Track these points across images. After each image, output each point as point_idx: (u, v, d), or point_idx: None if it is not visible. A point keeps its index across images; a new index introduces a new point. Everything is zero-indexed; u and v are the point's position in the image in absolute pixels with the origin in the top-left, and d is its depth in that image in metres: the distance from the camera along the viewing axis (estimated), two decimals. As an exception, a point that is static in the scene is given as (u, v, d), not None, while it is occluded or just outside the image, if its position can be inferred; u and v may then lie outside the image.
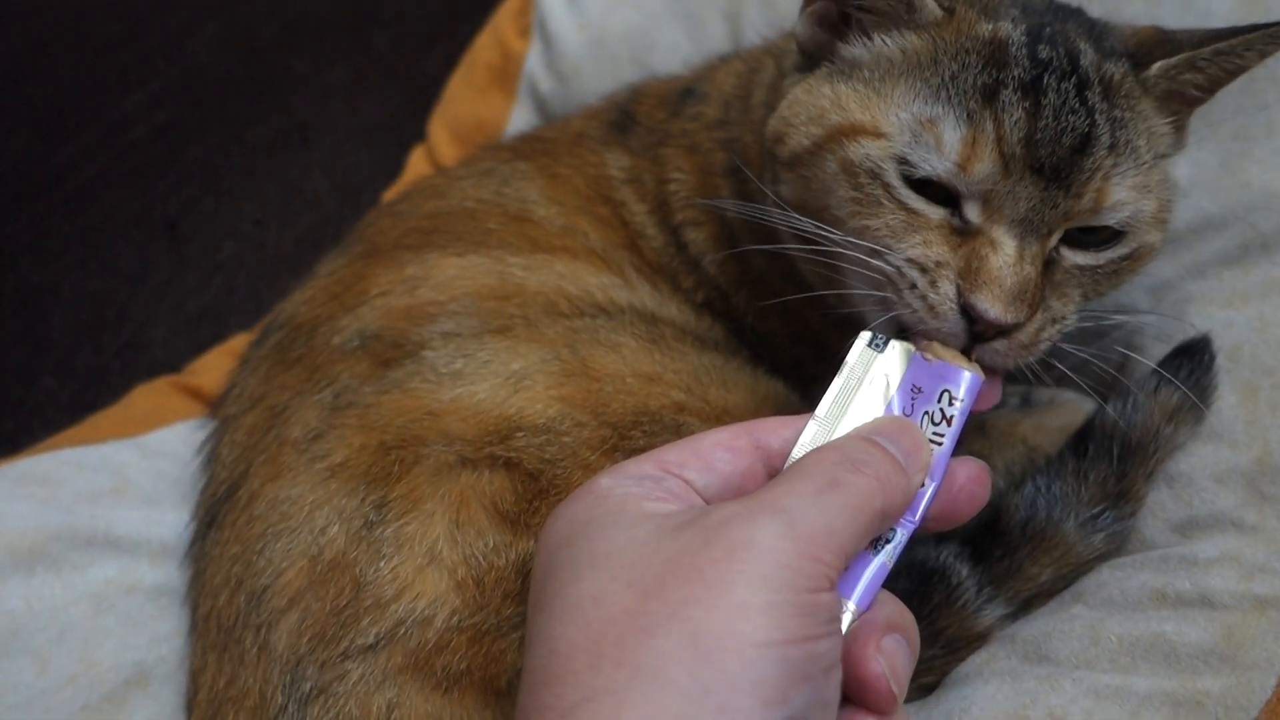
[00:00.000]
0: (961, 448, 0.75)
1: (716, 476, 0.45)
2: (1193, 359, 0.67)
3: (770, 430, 0.47)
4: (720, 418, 0.67)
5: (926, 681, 0.62)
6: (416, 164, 1.15)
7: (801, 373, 0.77)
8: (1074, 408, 0.72)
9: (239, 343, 0.95)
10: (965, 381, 0.50)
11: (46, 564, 0.71)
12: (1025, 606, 0.64)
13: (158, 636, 0.71)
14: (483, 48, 1.13)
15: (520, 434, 0.63)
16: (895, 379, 0.50)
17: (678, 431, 0.64)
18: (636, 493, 0.44)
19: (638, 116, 0.84)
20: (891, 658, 0.43)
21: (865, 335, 0.52)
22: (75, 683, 0.68)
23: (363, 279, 0.75)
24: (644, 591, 0.39)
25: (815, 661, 0.39)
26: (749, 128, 0.76)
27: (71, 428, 0.85)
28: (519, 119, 1.10)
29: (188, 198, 1.09)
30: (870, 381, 0.50)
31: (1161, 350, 0.70)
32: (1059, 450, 0.67)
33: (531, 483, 0.61)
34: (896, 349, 0.51)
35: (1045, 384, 0.69)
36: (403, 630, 0.58)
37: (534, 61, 1.08)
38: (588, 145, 0.85)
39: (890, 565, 0.45)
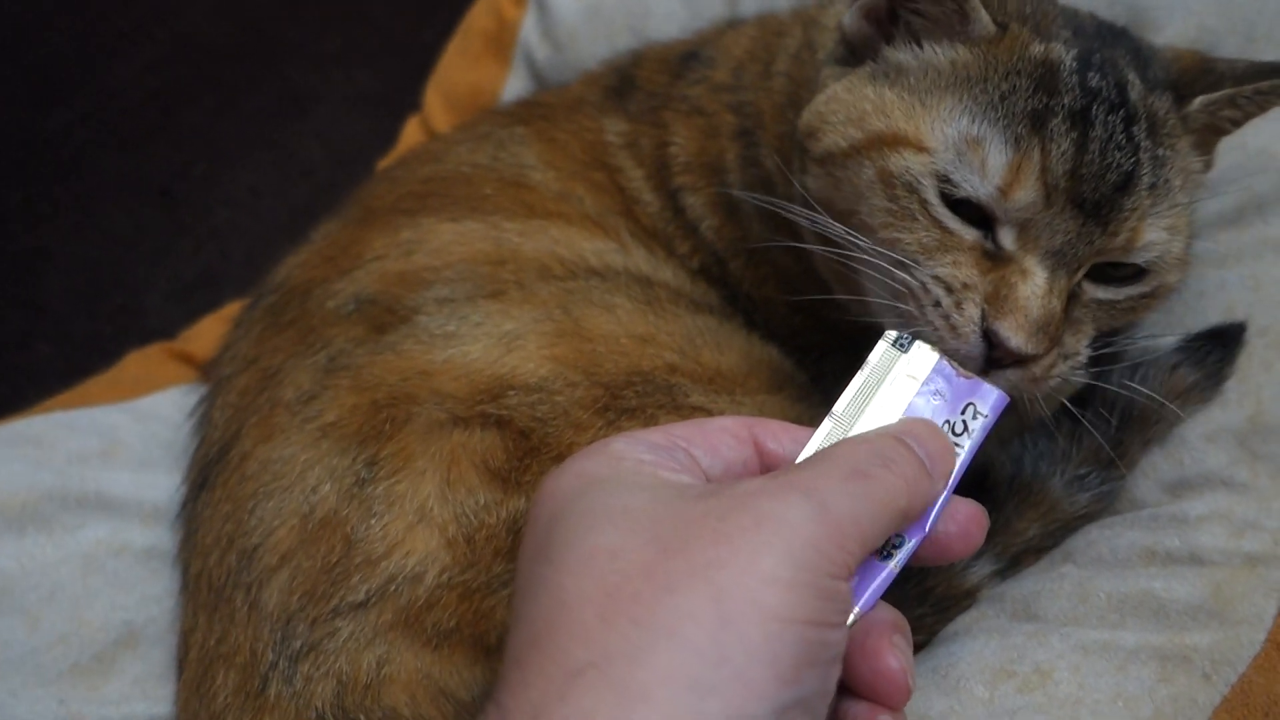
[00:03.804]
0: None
1: (720, 461, 0.45)
2: (1224, 345, 0.66)
3: (771, 434, 0.46)
4: (713, 379, 0.67)
5: (916, 641, 0.61)
6: (411, 133, 1.14)
7: (798, 341, 0.76)
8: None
9: (233, 310, 0.94)
10: (993, 398, 0.49)
11: (38, 524, 0.71)
12: (1013, 564, 0.64)
13: (148, 598, 0.71)
14: (478, 15, 1.12)
15: (512, 393, 0.62)
16: (918, 381, 0.49)
17: (670, 392, 0.64)
18: (651, 460, 0.43)
19: (638, 80, 0.84)
20: (904, 653, 0.42)
21: (890, 334, 0.50)
22: (66, 641, 0.68)
23: (358, 243, 0.75)
24: (665, 549, 0.38)
25: (827, 649, 0.38)
26: (766, 93, 0.75)
27: (63, 393, 0.85)
28: (514, 87, 1.09)
29: (181, 164, 1.08)
30: (891, 382, 0.48)
31: (1154, 335, 0.69)
32: (1054, 412, 0.67)
33: (522, 441, 0.61)
34: (922, 350, 0.49)
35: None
36: (393, 587, 0.58)
37: (529, 29, 1.07)
38: (585, 111, 0.84)
39: (896, 573, 0.44)
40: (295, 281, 0.75)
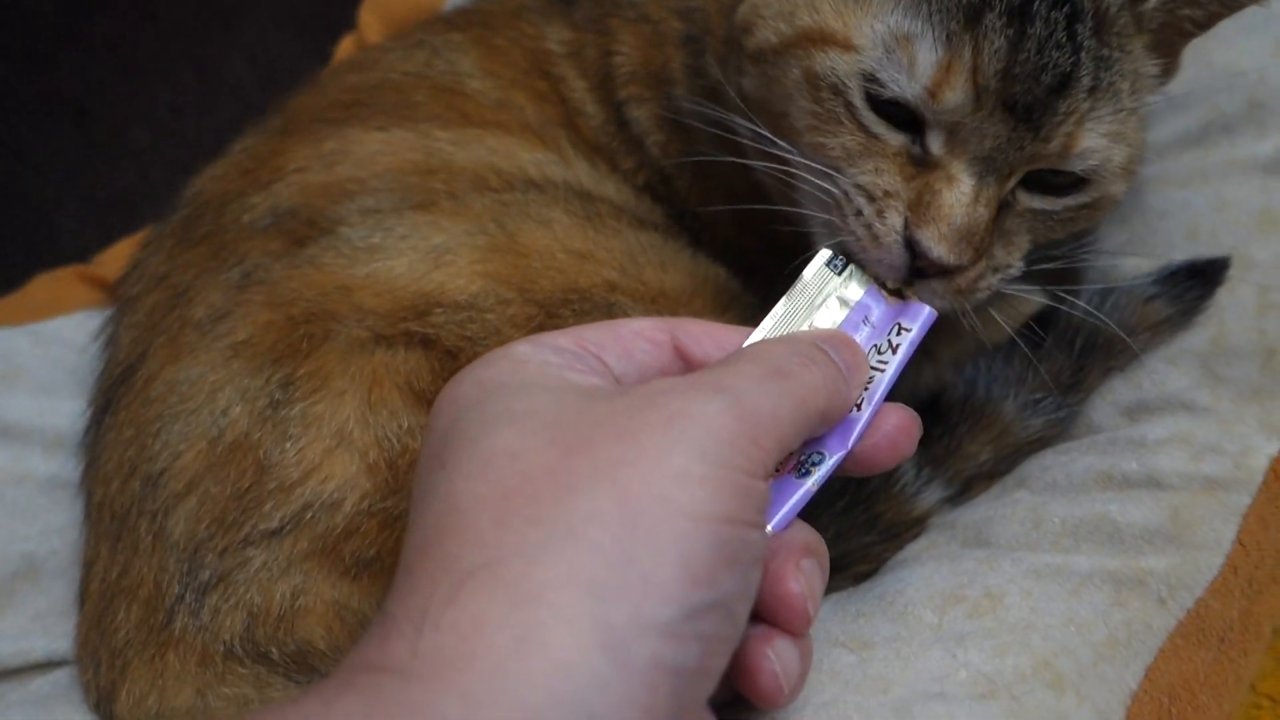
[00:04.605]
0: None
1: (634, 366, 0.43)
2: (1204, 282, 0.63)
3: (694, 337, 0.44)
4: (656, 299, 0.64)
5: (863, 569, 0.60)
6: (345, 54, 1.09)
7: (745, 262, 0.73)
8: (1023, 300, 0.69)
9: (153, 234, 0.90)
10: (921, 315, 0.49)
11: (-71, 452, 0.67)
12: (965, 489, 0.62)
13: (49, 529, 0.67)
14: (417, -76, 1.06)
15: (439, 310, 0.59)
16: (848, 306, 0.49)
17: (609, 311, 0.61)
18: (556, 362, 0.41)
19: None
20: (810, 577, 0.41)
21: (825, 254, 0.50)
22: (-42, 574, 0.64)
23: (278, 154, 0.70)
24: (568, 449, 0.36)
25: (745, 549, 0.36)
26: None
27: (-39, 315, 0.80)
28: (457, 5, 1.03)
29: (96, 78, 1.01)
30: (823, 303, 0.48)
31: (1115, 256, 0.67)
32: (1013, 336, 0.65)
33: (450, 361, 0.57)
34: (855, 275, 0.50)
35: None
36: (309, 515, 0.55)
37: (472, -60, 1.02)
38: (527, 17, 0.80)
39: (814, 492, 0.43)
40: (209, 195, 0.70)
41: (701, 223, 0.74)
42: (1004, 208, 0.57)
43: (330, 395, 0.56)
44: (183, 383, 0.60)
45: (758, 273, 0.73)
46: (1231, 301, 0.61)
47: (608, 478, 0.35)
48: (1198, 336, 0.62)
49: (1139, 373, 0.62)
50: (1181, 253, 0.64)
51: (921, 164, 0.55)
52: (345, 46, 1.10)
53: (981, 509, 0.60)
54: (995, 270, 0.57)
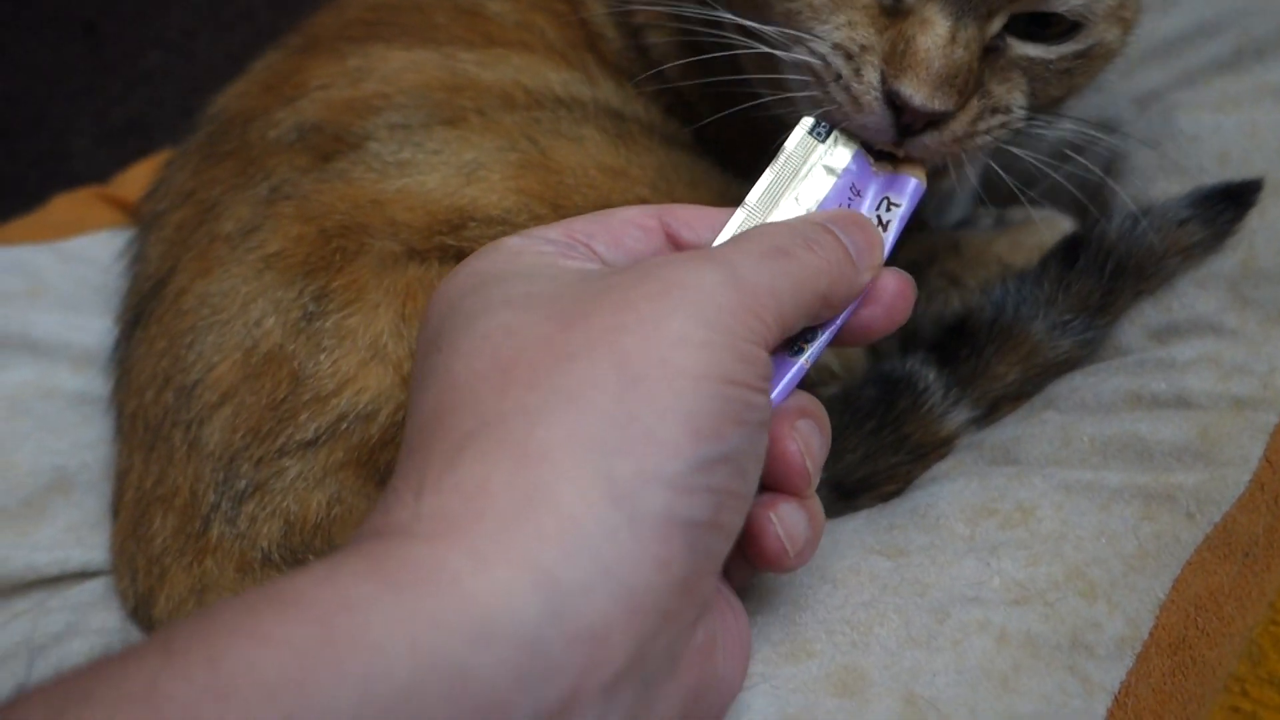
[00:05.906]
0: (935, 267, 0.72)
1: (624, 253, 0.43)
2: (1236, 204, 0.62)
3: (683, 221, 0.44)
4: (687, 218, 0.63)
5: (890, 489, 0.60)
6: (360, -23, 1.07)
7: None
8: (1050, 224, 0.69)
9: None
10: (909, 188, 0.48)
11: (-46, 364, 0.67)
12: (992, 410, 0.62)
13: (80, 443, 0.67)
14: None
15: (473, 224, 0.59)
16: (835, 175, 0.48)
17: (640, 229, 0.61)
18: (550, 251, 0.41)
19: None
20: (806, 437, 0.42)
21: (807, 121, 0.49)
22: (-10, 485, 0.64)
23: (301, 71, 0.70)
24: (565, 322, 0.36)
25: (750, 409, 0.36)
26: None
27: (-19, 232, 0.79)
28: (472, -74, 1.01)
29: (107, 0, 1.00)
30: (808, 172, 0.47)
31: (1146, 179, 0.66)
32: (1043, 258, 0.65)
33: None
34: (840, 141, 0.48)
35: (1020, 204, 0.66)
36: (345, 426, 0.55)
37: None
38: None
39: (808, 368, 0.43)
40: (232, 112, 0.70)
41: (722, 146, 0.74)
42: (994, 53, 0.55)
43: (364, 308, 0.56)
44: (215, 295, 0.60)
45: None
46: (1261, 224, 0.61)
47: (605, 344, 0.35)
48: (1227, 260, 0.61)
49: (1168, 295, 0.62)
50: (1212, 176, 0.63)
51: (894, 14, 0.53)
52: (359, -29, 1.08)
53: (1009, 429, 0.60)
54: (994, 111, 0.55)
